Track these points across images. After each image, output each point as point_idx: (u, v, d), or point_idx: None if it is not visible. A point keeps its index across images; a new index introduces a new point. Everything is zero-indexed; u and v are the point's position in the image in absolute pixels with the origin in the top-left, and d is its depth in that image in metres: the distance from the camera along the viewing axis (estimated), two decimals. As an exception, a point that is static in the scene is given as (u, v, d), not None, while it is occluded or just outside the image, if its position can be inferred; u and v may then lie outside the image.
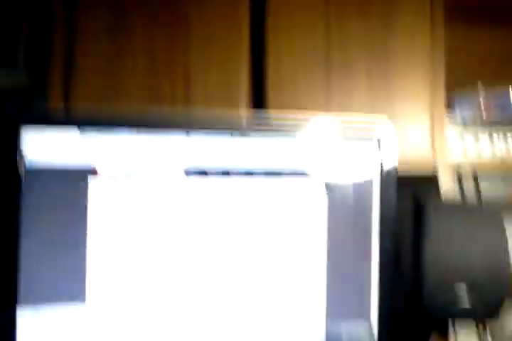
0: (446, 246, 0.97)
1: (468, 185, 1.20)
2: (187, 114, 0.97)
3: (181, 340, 0.88)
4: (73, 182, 0.84)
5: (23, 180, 0.82)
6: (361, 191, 0.98)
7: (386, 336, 0.95)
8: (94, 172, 0.85)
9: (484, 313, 0.96)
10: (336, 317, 0.94)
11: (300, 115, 0.98)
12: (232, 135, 0.91)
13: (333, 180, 0.96)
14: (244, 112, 1.02)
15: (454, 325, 1.03)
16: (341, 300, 0.95)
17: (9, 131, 0.82)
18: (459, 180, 1.16)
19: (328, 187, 0.95)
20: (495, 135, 1.16)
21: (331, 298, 0.94)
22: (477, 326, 1.02)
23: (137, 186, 0.87)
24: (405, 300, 0.97)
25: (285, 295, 0.92)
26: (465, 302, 0.94)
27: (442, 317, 0.99)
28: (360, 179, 0.98)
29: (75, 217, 0.84)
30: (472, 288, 0.94)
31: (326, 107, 1.05)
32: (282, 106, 1.02)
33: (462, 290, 0.94)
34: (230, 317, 0.90)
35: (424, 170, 1.06)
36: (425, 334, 1.01)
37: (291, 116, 0.97)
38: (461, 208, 1.05)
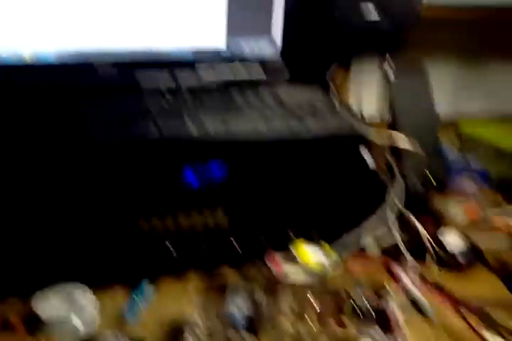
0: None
1: None
2: None
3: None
4: None
5: None
6: None
7: (289, 53, 0.92)
8: None
9: (391, 28, 0.95)
10: (238, 32, 0.89)
11: None
12: None
13: None
14: None
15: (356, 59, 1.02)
16: (243, 15, 0.88)
17: None
18: None
19: None
20: None
21: (231, 13, 0.87)
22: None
23: None
24: (312, 18, 0.92)
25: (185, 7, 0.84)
26: (373, 16, 0.91)
27: (350, 37, 0.96)
28: None
29: None
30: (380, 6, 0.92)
31: None
32: None
33: (371, 8, 0.91)
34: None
35: None
36: (327, 64, 0.99)
37: None
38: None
